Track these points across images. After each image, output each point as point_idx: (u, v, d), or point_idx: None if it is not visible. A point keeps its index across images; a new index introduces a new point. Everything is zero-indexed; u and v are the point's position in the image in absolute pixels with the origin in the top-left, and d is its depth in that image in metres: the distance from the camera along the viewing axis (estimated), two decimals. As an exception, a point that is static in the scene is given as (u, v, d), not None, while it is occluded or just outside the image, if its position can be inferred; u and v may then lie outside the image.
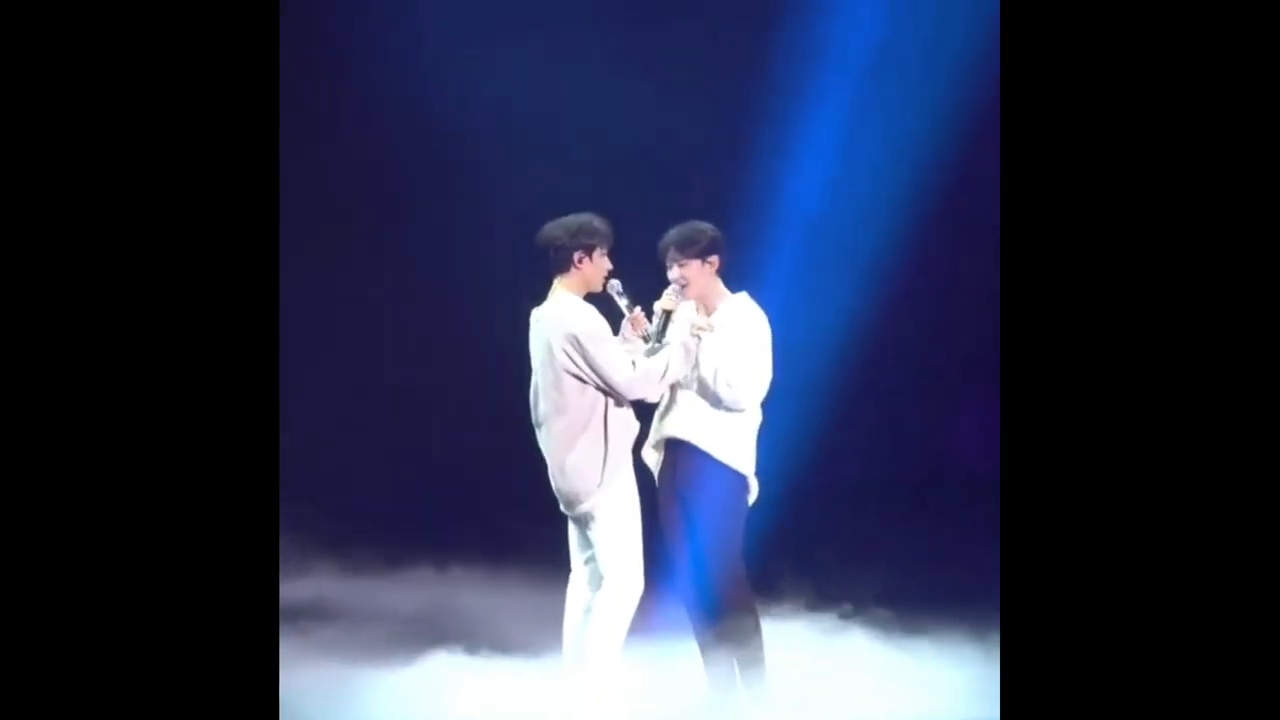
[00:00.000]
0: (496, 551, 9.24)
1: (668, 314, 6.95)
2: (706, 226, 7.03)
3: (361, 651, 7.59)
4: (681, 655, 7.06)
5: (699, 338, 6.85)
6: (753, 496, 7.02)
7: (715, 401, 6.90)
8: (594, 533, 6.84)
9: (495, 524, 9.50)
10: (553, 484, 6.91)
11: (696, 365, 6.87)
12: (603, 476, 6.77)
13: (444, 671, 7.29)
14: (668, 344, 6.89)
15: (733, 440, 6.96)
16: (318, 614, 8.27)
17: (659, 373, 6.82)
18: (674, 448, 7.01)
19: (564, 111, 9.74)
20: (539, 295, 6.95)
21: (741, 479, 6.97)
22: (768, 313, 7.03)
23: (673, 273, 6.99)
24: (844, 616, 7.92)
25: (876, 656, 7.51)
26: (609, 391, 6.76)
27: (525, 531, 8.24)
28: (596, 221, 6.86)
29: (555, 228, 6.85)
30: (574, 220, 6.85)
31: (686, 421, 6.96)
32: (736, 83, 9.61)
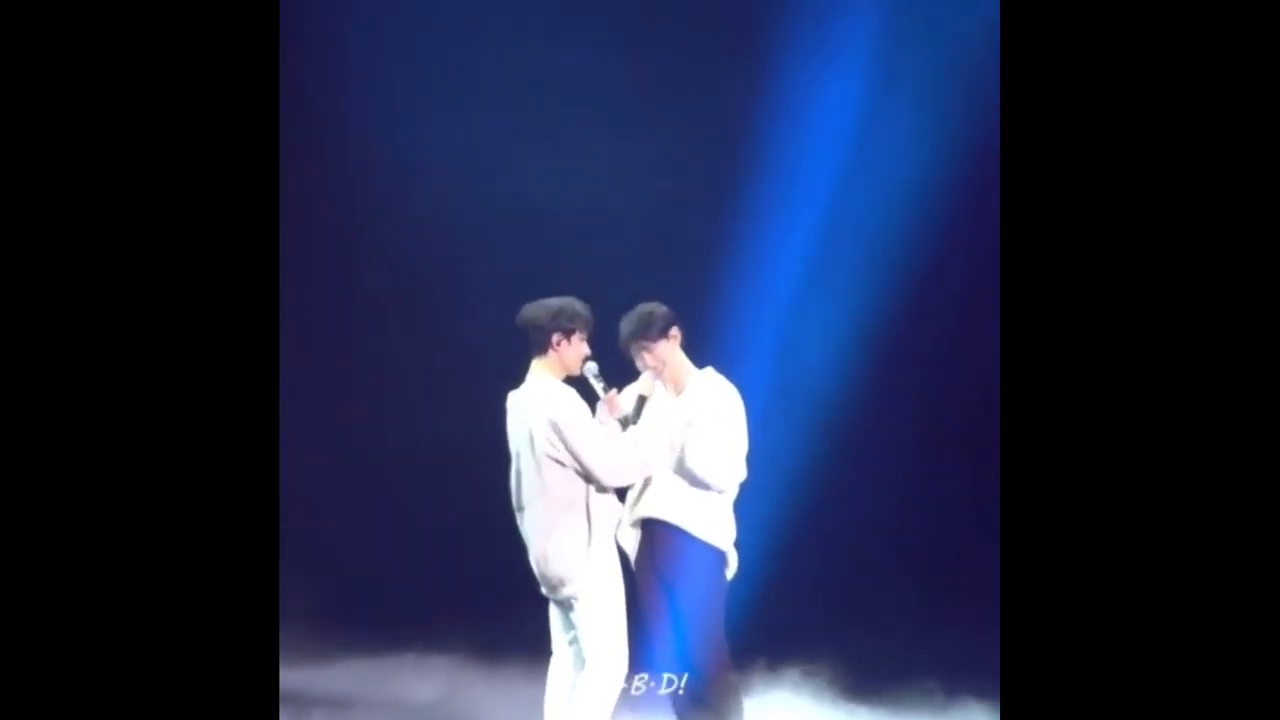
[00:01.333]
0: (474, 636, 9.18)
1: (643, 399, 6.99)
2: (654, 306, 7.06)
3: None
4: None
5: (686, 435, 6.83)
6: (732, 570, 7.00)
7: (701, 487, 6.89)
8: (577, 615, 6.80)
9: (472, 608, 9.45)
10: (534, 568, 6.87)
11: (680, 456, 6.87)
12: (586, 559, 6.73)
13: None
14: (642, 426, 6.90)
15: (710, 515, 6.95)
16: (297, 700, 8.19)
17: (640, 465, 6.84)
18: (651, 526, 6.99)
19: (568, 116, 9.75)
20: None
21: (720, 554, 6.96)
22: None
23: (641, 361, 7.03)
24: (829, 692, 7.84)
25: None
26: (587, 478, 6.75)
27: (503, 615, 8.18)
28: (578, 305, 6.87)
29: (535, 309, 6.85)
30: (555, 303, 6.85)
31: (663, 500, 6.95)
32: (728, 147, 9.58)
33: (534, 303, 6.89)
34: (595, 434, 6.79)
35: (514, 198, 9.90)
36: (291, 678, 7.30)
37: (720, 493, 6.95)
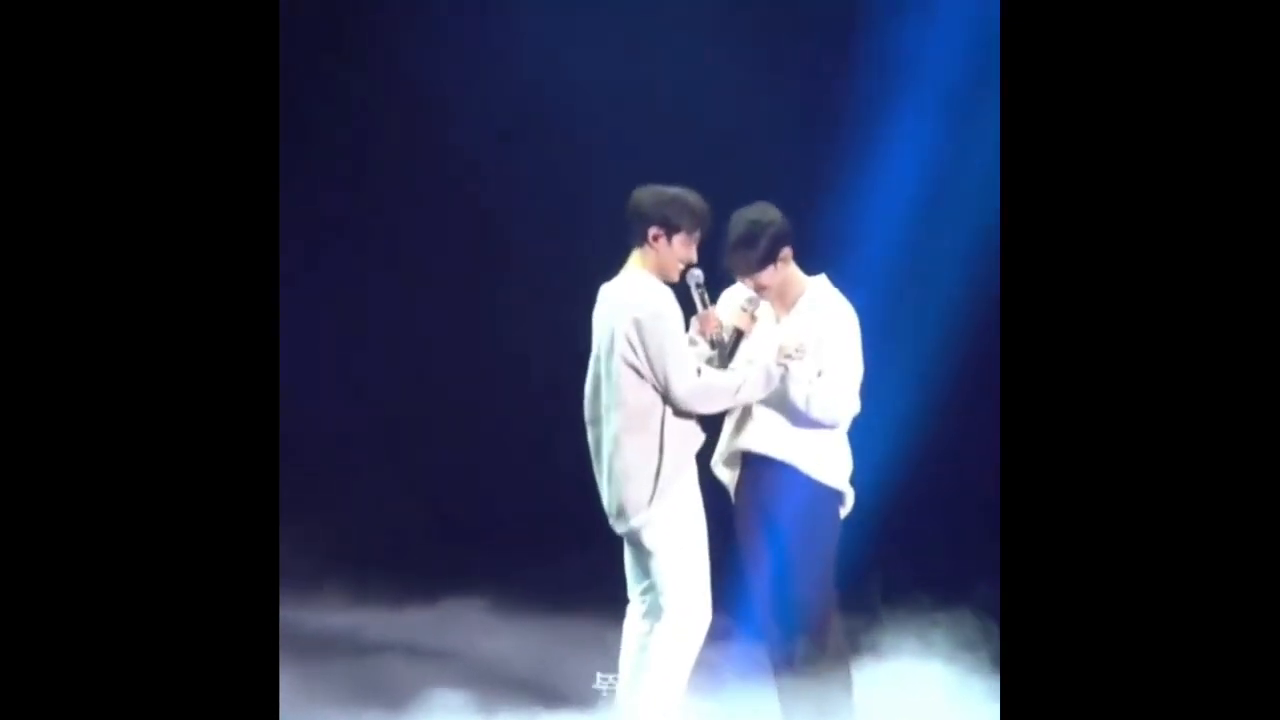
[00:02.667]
0: (540, 581, 8.58)
1: (740, 334, 6.33)
2: (765, 219, 6.31)
3: (373, 694, 7.00)
4: (755, 702, 6.46)
5: (785, 367, 6.21)
6: (846, 509, 6.42)
7: (807, 424, 6.29)
8: (650, 557, 6.20)
9: (539, 549, 8.87)
10: (603, 494, 6.28)
11: (784, 388, 6.23)
12: (655, 489, 6.13)
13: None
14: (746, 360, 6.30)
15: (822, 450, 6.34)
16: (321, 646, 7.69)
17: (729, 391, 6.20)
18: (753, 462, 6.39)
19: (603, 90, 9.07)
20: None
21: (835, 493, 6.37)
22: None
23: (745, 282, 6.36)
24: (954, 657, 7.00)
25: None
26: (664, 395, 6.12)
27: (576, 558, 7.83)
28: (692, 199, 6.20)
29: (644, 193, 6.22)
30: (669, 191, 6.21)
31: (767, 435, 6.34)
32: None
33: (649, 186, 6.24)
34: (682, 346, 6.16)
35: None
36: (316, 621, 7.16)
37: (832, 428, 6.34)
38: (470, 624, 8.31)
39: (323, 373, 9.14)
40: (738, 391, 6.17)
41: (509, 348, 9.03)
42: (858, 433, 6.49)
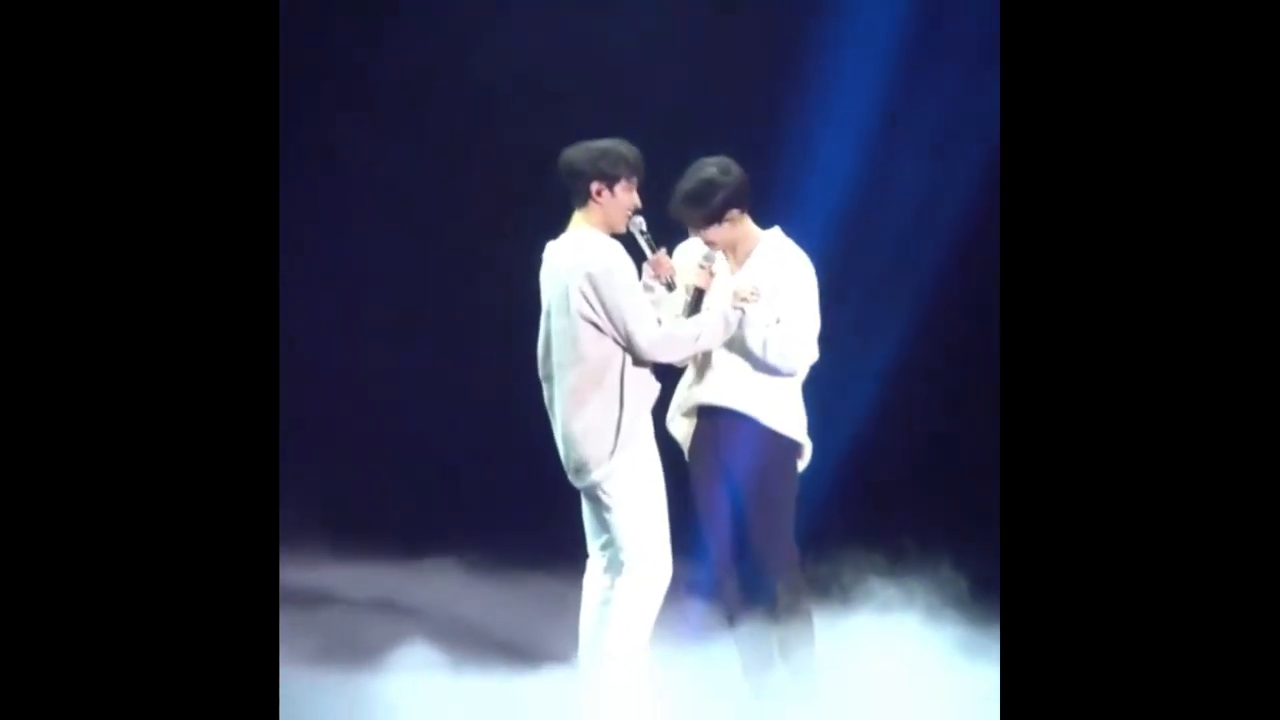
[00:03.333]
0: (498, 539, 8.51)
1: (700, 292, 6.30)
2: (719, 177, 6.28)
3: (349, 650, 6.98)
4: (716, 654, 6.43)
5: (742, 310, 6.21)
6: (805, 461, 6.39)
7: (766, 371, 6.28)
8: (609, 511, 6.18)
9: (493, 507, 8.88)
10: (560, 449, 6.25)
11: (741, 335, 6.24)
12: (616, 442, 6.11)
13: (439, 677, 6.59)
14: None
15: (779, 402, 6.31)
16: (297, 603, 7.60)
17: (689, 339, 6.19)
18: (710, 414, 6.37)
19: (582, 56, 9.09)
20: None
21: (793, 444, 6.34)
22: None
23: (695, 238, 6.34)
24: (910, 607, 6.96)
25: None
26: (627, 347, 6.10)
27: (531, 514, 7.80)
28: (623, 148, 6.19)
29: (575, 151, 6.20)
30: (598, 145, 6.19)
31: (725, 387, 6.32)
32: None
33: (575, 145, 6.23)
34: (639, 297, 6.16)
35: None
36: (295, 577, 6.94)
37: (790, 376, 6.32)
38: (444, 582, 8.30)
39: (312, 337, 9.07)
40: (698, 339, 6.16)
41: (484, 309, 8.99)
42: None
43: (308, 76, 8.88)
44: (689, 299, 6.26)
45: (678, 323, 6.20)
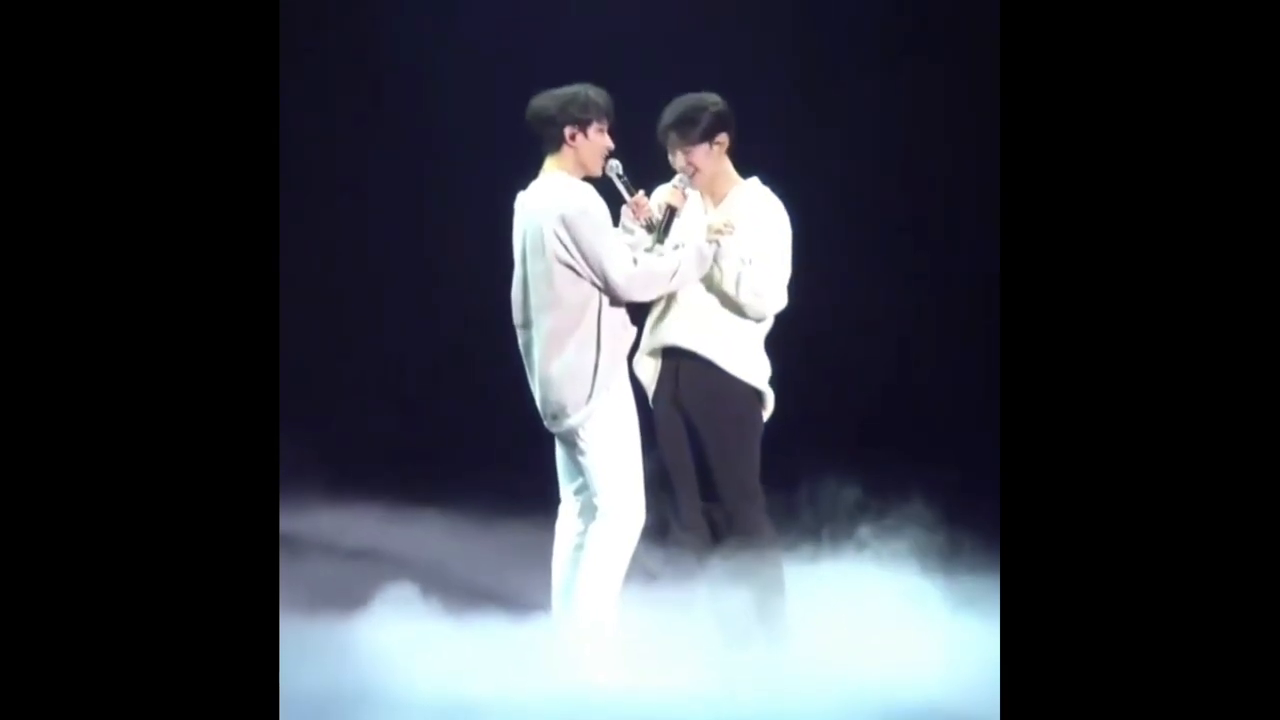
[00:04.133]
0: (475, 485, 8.56)
1: (673, 210, 6.28)
2: (709, 99, 6.33)
3: (330, 598, 6.93)
4: (687, 596, 6.32)
5: (717, 243, 6.19)
6: (768, 411, 6.38)
7: (736, 311, 6.28)
8: (585, 455, 6.18)
9: (464, 452, 8.95)
10: (535, 394, 6.25)
11: (714, 271, 6.22)
12: (593, 386, 6.11)
13: (411, 621, 6.53)
14: (674, 245, 6.25)
15: (743, 349, 6.32)
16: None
17: (665, 275, 6.17)
18: (674, 357, 6.36)
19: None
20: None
21: (755, 392, 6.34)
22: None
23: (676, 160, 6.32)
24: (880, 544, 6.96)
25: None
26: (604, 287, 6.09)
27: (501, 458, 7.81)
28: (591, 92, 6.19)
29: (544, 98, 6.21)
30: (565, 91, 6.19)
31: (689, 329, 6.30)
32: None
33: (542, 93, 6.23)
34: (614, 236, 6.17)
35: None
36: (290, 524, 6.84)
37: (757, 321, 6.33)
38: (424, 531, 8.34)
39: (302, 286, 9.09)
40: (674, 275, 6.14)
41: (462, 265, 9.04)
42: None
43: (308, 76, 9.05)
44: (661, 219, 6.24)
45: (653, 259, 6.18)
